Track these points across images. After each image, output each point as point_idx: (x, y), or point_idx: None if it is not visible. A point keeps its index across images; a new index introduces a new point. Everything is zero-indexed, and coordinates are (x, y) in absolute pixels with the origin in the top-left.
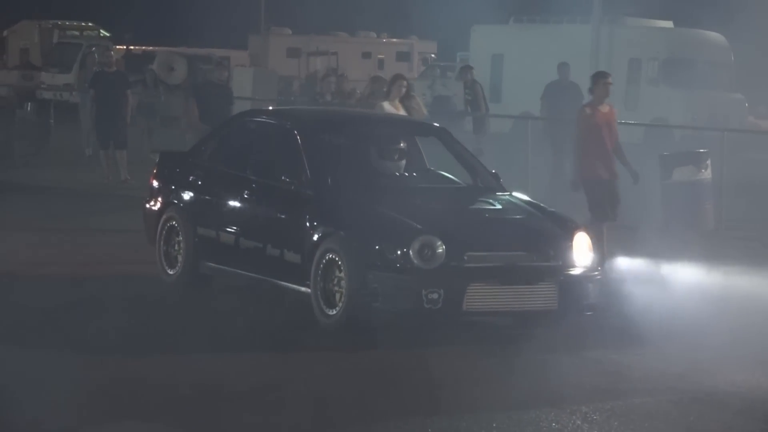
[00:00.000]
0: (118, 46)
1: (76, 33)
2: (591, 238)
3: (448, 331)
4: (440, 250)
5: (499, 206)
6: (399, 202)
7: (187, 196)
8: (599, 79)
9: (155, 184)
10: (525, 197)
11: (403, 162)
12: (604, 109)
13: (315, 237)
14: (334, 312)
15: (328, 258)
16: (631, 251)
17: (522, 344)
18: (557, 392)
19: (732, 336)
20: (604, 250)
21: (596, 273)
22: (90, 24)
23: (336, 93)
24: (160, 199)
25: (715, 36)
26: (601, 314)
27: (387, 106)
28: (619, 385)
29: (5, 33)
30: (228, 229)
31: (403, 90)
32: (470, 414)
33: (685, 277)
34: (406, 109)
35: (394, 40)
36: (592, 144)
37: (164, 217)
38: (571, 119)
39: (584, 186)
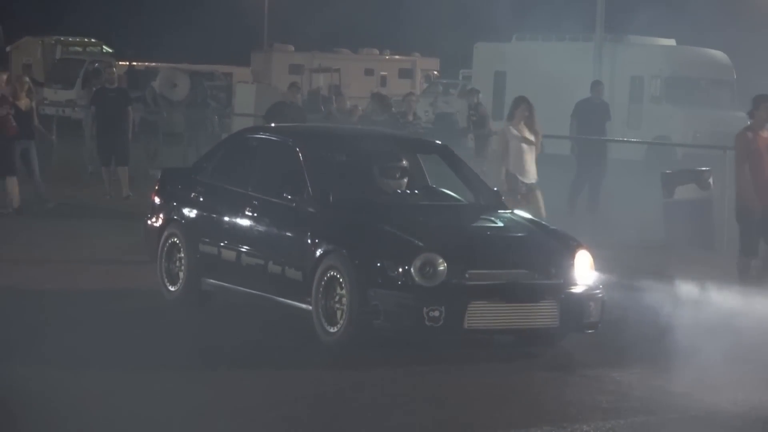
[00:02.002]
0: (120, 62)
1: (79, 49)
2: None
3: (449, 348)
4: (441, 268)
5: (500, 224)
6: (400, 220)
7: (188, 212)
8: (761, 102)
9: (157, 200)
10: (526, 215)
11: (405, 179)
12: (765, 134)
13: (316, 254)
14: (336, 329)
15: (330, 275)
16: (633, 270)
17: (523, 362)
18: (558, 410)
19: (733, 354)
20: (745, 284)
21: (598, 291)
22: (93, 40)
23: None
24: (161, 215)
25: (717, 54)
26: (602, 332)
27: (512, 131)
28: (621, 403)
29: (8, 49)
30: (229, 246)
31: (526, 114)
32: None
33: (687, 296)
34: (533, 134)
35: (397, 57)
36: (752, 170)
37: (166, 233)
38: (599, 138)
39: (737, 215)
